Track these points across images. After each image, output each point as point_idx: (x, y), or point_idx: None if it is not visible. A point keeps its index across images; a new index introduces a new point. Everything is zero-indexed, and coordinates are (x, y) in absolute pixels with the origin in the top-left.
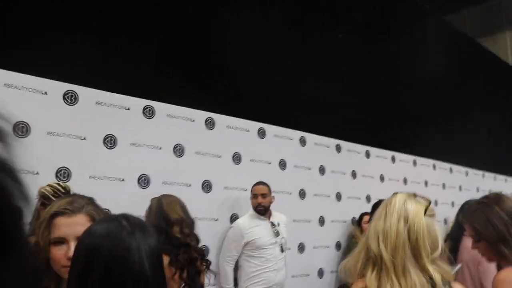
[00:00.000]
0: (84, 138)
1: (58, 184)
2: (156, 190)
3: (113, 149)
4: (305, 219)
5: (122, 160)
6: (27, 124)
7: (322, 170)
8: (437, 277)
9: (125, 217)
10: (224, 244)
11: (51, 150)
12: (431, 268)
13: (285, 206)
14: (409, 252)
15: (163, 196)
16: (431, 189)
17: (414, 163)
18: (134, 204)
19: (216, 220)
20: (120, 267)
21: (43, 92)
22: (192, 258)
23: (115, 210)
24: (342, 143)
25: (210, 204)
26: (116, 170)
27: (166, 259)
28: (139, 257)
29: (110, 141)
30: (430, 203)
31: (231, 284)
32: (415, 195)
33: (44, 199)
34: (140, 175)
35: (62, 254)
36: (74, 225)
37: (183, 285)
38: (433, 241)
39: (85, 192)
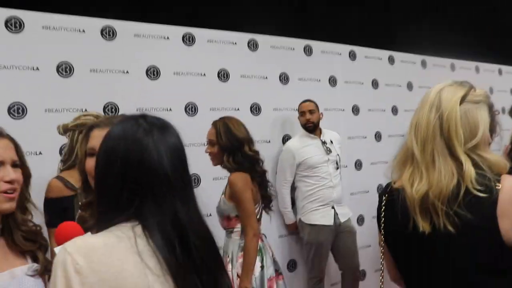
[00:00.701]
0: (127, 72)
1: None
2: (204, 117)
3: (156, 80)
4: (360, 135)
5: (167, 90)
6: (70, 64)
7: (375, 83)
8: (467, 166)
9: (143, 116)
10: (278, 168)
11: (95, 86)
12: (463, 157)
13: (338, 124)
14: (440, 142)
15: (226, 118)
16: (496, 96)
17: (477, 69)
18: (183, 132)
19: (268, 142)
20: (137, 166)
21: (81, 30)
22: (263, 171)
23: None
24: (395, 54)
25: (260, 126)
26: (162, 100)
27: (248, 176)
28: (159, 156)
29: (153, 73)
30: (471, 88)
31: (289, 207)
32: (461, 83)
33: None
34: (187, 104)
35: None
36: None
37: (260, 199)
38: (471, 129)
39: None
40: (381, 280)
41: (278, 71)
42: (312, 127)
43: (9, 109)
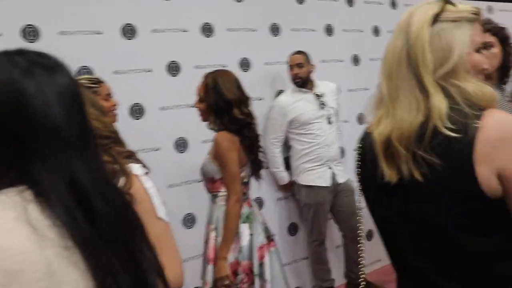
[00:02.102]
0: (101, 33)
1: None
2: (188, 76)
3: (133, 40)
4: (362, 87)
5: (146, 49)
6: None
7: (376, 31)
8: (437, 98)
9: (20, 52)
10: (268, 126)
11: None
12: (432, 88)
13: (337, 76)
14: (407, 72)
15: (219, 72)
16: None
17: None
18: (166, 93)
19: (261, 99)
20: (14, 118)
21: None
22: (255, 136)
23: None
24: None
25: (251, 83)
26: (141, 61)
27: (236, 137)
28: (43, 103)
29: (129, 31)
30: (450, 3)
31: (281, 167)
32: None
33: None
34: (168, 63)
35: None
36: None
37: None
38: (444, 52)
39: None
40: (361, 245)
41: (268, 22)
42: (300, 82)
43: None
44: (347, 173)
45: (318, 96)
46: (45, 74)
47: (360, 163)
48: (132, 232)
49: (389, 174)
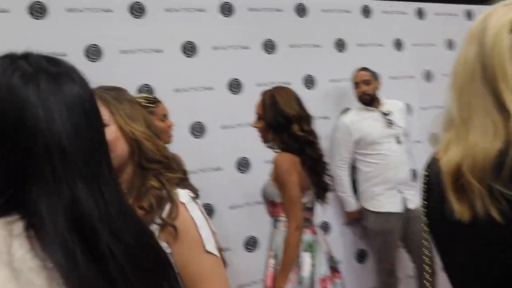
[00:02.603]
0: (162, 51)
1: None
2: (249, 93)
3: (193, 58)
4: (435, 105)
5: (206, 67)
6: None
7: (449, 44)
8: None
9: (25, 55)
10: (333, 147)
11: (127, 68)
12: (509, 98)
13: (407, 92)
14: (480, 87)
15: (277, 89)
16: None
17: None
18: (228, 111)
19: (326, 118)
20: (12, 131)
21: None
22: (319, 156)
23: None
24: (474, 7)
25: (315, 101)
26: (201, 78)
27: (297, 159)
28: (47, 115)
29: (189, 49)
30: None
31: (348, 192)
32: None
33: None
34: (229, 80)
35: None
36: None
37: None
38: None
39: None
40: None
41: (332, 38)
42: (368, 100)
43: None
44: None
45: (385, 114)
46: (51, 82)
47: (425, 194)
48: (150, 275)
49: (459, 210)
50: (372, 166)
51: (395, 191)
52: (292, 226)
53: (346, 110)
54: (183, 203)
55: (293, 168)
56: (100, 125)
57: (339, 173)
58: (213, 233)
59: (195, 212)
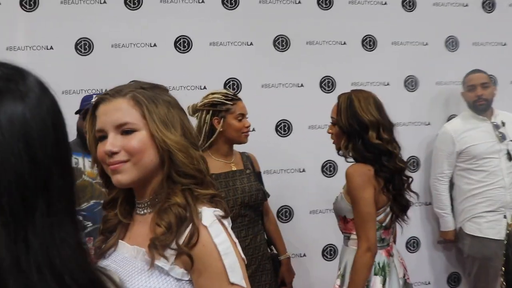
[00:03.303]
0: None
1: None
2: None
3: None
4: None
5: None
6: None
7: None
8: None
9: None
10: (433, 157)
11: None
12: None
13: None
14: None
15: (353, 92)
16: None
17: None
18: (317, 112)
19: (428, 124)
20: None
21: None
22: (397, 168)
23: None
24: None
25: (417, 105)
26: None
27: (372, 171)
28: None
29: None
30: None
31: (447, 209)
32: None
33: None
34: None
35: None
36: (111, 112)
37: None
38: None
39: None
40: None
41: (444, 35)
42: (484, 106)
43: None
44: None
45: (497, 126)
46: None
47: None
48: None
49: None
50: (474, 184)
51: (499, 215)
52: (362, 246)
53: (452, 117)
54: (205, 227)
55: (367, 182)
56: (51, 159)
57: (438, 187)
58: (243, 260)
59: (220, 236)
